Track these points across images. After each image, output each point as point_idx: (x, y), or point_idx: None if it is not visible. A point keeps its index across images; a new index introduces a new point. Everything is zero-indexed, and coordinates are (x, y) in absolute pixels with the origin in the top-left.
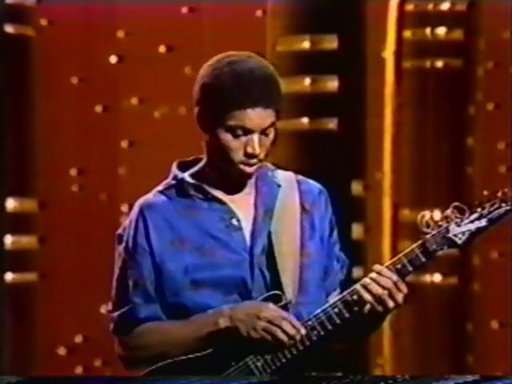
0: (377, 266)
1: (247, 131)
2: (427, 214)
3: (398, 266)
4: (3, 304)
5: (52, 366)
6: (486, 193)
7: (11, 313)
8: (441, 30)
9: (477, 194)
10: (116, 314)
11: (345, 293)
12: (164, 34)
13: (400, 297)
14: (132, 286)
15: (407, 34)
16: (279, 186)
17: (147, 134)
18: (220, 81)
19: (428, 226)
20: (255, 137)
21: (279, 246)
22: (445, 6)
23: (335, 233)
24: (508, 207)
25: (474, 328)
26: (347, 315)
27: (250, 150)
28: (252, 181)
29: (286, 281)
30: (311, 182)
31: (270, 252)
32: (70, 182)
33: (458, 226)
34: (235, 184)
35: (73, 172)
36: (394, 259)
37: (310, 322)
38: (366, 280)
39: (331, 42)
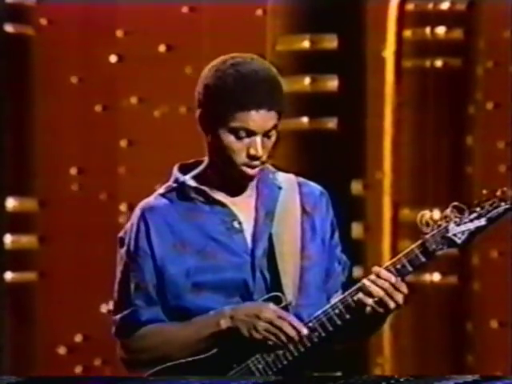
0: (376, 268)
1: (250, 133)
2: (427, 213)
3: (398, 267)
4: (3, 303)
5: (52, 366)
6: (485, 192)
7: (11, 312)
8: (441, 30)
9: (476, 193)
10: (118, 316)
11: (345, 294)
12: (164, 34)
13: (400, 297)
14: (134, 288)
15: (407, 33)
16: (280, 188)
17: (147, 133)
18: (223, 82)
19: (427, 225)
20: (258, 139)
21: (280, 248)
22: (445, 6)
23: (336, 235)
24: (507, 206)
25: (474, 327)
26: (348, 316)
27: (252, 151)
28: (253, 183)
29: (286, 282)
30: (312, 184)
31: (270, 254)
32: (70, 182)
33: (458, 225)
34: (236, 186)
35: (72, 171)
36: (394, 259)
37: (310, 324)
38: (366, 282)
39: (331, 42)
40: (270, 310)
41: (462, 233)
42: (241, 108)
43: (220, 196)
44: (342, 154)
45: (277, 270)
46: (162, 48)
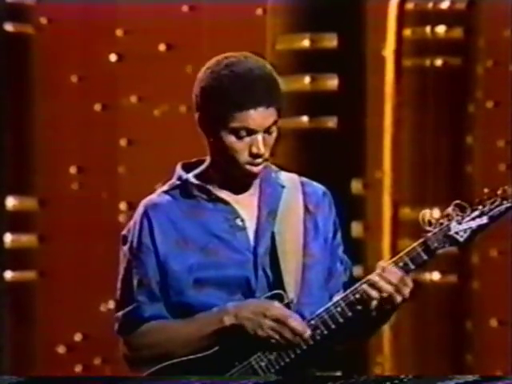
0: (382, 263)
1: (251, 132)
2: (428, 212)
3: (400, 264)
4: (3, 302)
5: (51, 365)
6: (486, 190)
7: (11, 311)
8: (440, 29)
9: (476, 191)
10: (120, 313)
11: (347, 292)
12: (164, 33)
13: (407, 291)
14: (137, 285)
15: (407, 32)
16: (283, 187)
17: (146, 132)
18: (219, 84)
19: (429, 224)
20: (259, 136)
21: (282, 246)
22: (444, 5)
23: (339, 235)
24: (509, 204)
25: (474, 326)
26: (350, 314)
27: (254, 150)
28: (256, 182)
29: (288, 280)
30: (315, 183)
31: (273, 252)
32: (70, 180)
33: (460, 223)
34: (239, 185)
35: (72, 170)
36: (396, 257)
37: (312, 322)
38: (372, 277)
39: (331, 41)
40: (277, 309)
41: (464, 231)
42: (239, 108)
43: (223, 194)
44: (342, 153)
45: (279, 269)
46: (161, 47)
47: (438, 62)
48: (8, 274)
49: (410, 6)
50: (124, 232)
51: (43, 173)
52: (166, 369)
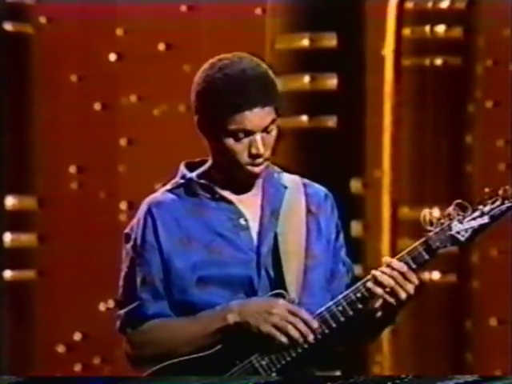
0: (387, 258)
1: (248, 133)
2: (429, 211)
3: None
4: (2, 302)
5: (51, 364)
6: (487, 190)
7: (10, 310)
8: (440, 28)
9: (476, 191)
10: (123, 311)
11: (349, 290)
12: (163, 32)
13: (411, 287)
14: (140, 282)
15: (406, 31)
16: (285, 187)
17: (146, 131)
18: (213, 87)
19: (430, 223)
20: (258, 137)
21: (285, 246)
22: (444, 4)
23: (341, 237)
24: (509, 204)
25: (473, 325)
26: (351, 313)
27: (254, 150)
28: (259, 182)
29: (290, 280)
30: (317, 185)
31: (275, 252)
32: (70, 180)
33: (461, 223)
34: (242, 185)
35: (72, 170)
36: (397, 256)
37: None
38: (376, 272)
39: (330, 40)
40: (281, 306)
41: (466, 230)
42: (234, 110)
43: (226, 193)
44: (342, 152)
45: (281, 269)
46: (161, 46)
47: (438, 62)
48: (7, 274)
49: (409, 5)
50: (127, 230)
51: (43, 172)
52: (167, 368)
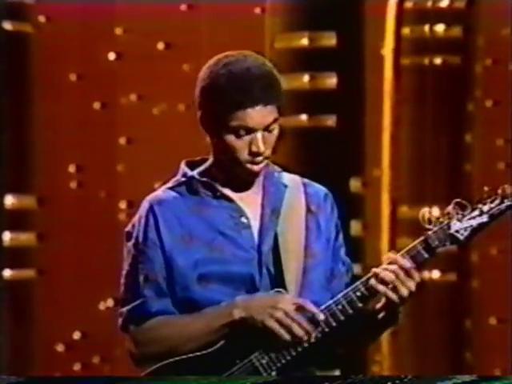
0: (390, 254)
1: (250, 130)
2: (428, 210)
3: None
4: (1, 301)
5: (50, 363)
6: (486, 189)
7: (9, 309)
8: (439, 27)
9: (475, 190)
10: (126, 308)
11: (349, 289)
12: (162, 31)
13: (412, 284)
14: (143, 280)
15: (406, 31)
16: (286, 186)
17: (145, 131)
18: (217, 83)
19: (430, 222)
20: (259, 135)
21: (285, 245)
22: (444, 3)
23: (341, 236)
24: (509, 203)
25: (473, 324)
26: (351, 311)
27: (254, 148)
28: (259, 180)
29: (289, 279)
30: (317, 185)
31: (275, 251)
32: (69, 179)
33: (460, 222)
34: (242, 183)
35: (71, 169)
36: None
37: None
38: (378, 270)
39: (330, 39)
40: (287, 301)
41: (465, 229)
42: (237, 107)
43: (227, 191)
44: (341, 151)
45: (281, 267)
46: (160, 46)
47: (437, 61)
48: (7, 273)
49: (409, 4)
50: (128, 228)
51: (42, 171)
52: (167, 367)
